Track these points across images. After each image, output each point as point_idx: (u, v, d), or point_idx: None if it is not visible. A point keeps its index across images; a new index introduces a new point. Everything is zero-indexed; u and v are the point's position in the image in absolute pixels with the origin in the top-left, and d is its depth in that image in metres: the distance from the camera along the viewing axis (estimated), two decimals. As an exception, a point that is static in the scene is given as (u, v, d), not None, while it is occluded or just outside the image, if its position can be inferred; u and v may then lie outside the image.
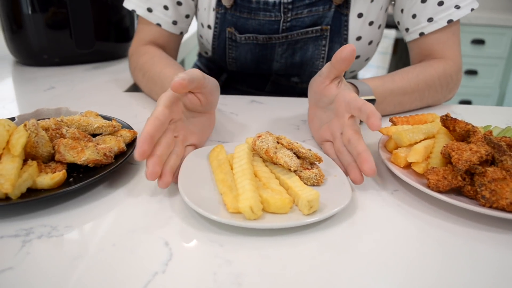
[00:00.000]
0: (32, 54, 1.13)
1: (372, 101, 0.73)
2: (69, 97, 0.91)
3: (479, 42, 2.67)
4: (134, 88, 1.02)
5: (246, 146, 0.57)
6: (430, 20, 0.84)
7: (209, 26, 0.95)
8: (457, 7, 0.82)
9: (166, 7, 0.90)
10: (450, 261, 0.43)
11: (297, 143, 0.57)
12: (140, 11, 0.91)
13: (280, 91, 1.07)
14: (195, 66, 1.22)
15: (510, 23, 2.61)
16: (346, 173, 0.56)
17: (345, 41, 0.92)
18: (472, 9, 0.83)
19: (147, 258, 0.42)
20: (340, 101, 0.60)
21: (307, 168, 0.55)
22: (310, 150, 0.56)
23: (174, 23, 0.93)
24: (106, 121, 0.60)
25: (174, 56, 1.00)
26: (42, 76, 1.06)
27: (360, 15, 0.89)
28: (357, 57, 0.96)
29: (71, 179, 0.52)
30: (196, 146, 0.63)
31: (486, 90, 2.83)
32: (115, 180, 0.56)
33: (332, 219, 0.49)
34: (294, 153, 0.56)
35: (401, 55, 3.08)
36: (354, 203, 0.52)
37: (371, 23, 0.91)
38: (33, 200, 0.47)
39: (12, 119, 0.66)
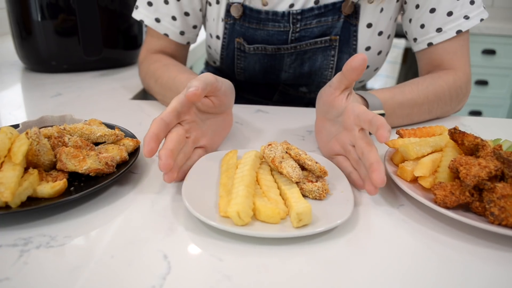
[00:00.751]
0: (40, 60, 1.14)
1: (381, 115, 0.72)
2: (75, 104, 0.91)
3: (490, 52, 2.65)
4: (141, 95, 1.02)
5: (254, 153, 0.56)
6: (439, 30, 0.83)
7: (217, 37, 0.95)
8: (466, 17, 0.81)
9: (174, 18, 0.91)
10: (457, 280, 0.41)
11: (305, 154, 0.56)
12: (148, 21, 0.91)
13: (288, 101, 1.06)
14: None
15: (521, 33, 2.59)
16: (363, 186, 0.55)
17: (354, 51, 0.91)
18: (482, 19, 0.82)
19: (145, 271, 0.41)
20: (349, 114, 0.58)
21: (311, 181, 0.54)
22: (317, 163, 0.55)
23: (182, 33, 0.93)
24: (109, 129, 0.60)
25: (183, 64, 1.00)
26: (50, 82, 1.06)
27: (369, 25, 0.89)
28: (367, 67, 0.95)
29: (72, 188, 0.52)
30: (206, 149, 0.63)
31: (496, 101, 2.80)
32: (116, 190, 0.55)
33: (334, 233, 0.47)
34: (300, 164, 0.55)
35: (410, 65, 3.07)
36: (356, 216, 0.51)
37: (380, 33, 0.90)
38: (32, 209, 0.47)
39: (17, 126, 0.66)
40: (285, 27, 0.89)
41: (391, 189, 0.58)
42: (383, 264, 0.43)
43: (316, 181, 0.54)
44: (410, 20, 0.88)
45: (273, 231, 0.45)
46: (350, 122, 0.58)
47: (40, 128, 0.55)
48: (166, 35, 0.92)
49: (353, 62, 0.56)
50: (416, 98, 0.78)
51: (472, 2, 0.81)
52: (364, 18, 0.88)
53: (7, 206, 0.47)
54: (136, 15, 0.92)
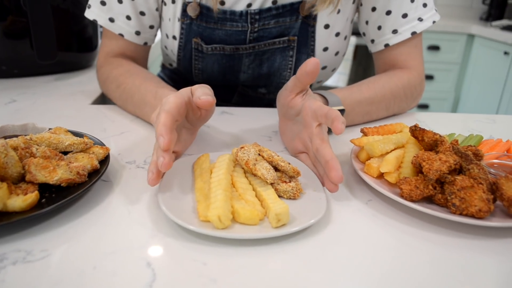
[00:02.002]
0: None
1: (341, 111, 0.75)
2: (33, 111, 0.87)
3: (434, 48, 2.79)
4: (101, 100, 1.00)
5: (228, 156, 0.57)
6: (394, 32, 0.87)
7: (174, 37, 0.94)
8: (420, 19, 0.86)
9: (128, 17, 0.89)
10: (425, 266, 0.44)
11: (278, 155, 0.57)
12: (102, 21, 0.89)
13: (247, 103, 1.07)
14: (159, 77, 1.21)
15: (463, 30, 2.75)
16: (323, 183, 0.57)
17: (312, 52, 0.93)
18: (434, 22, 0.87)
19: (130, 280, 0.41)
20: (307, 111, 0.61)
21: (285, 182, 0.56)
22: (289, 164, 0.57)
23: (137, 33, 0.91)
24: (78, 138, 0.59)
25: (144, 67, 0.99)
26: (1, 88, 1.01)
27: (326, 26, 0.91)
28: (324, 67, 0.97)
29: (43, 200, 0.50)
30: (177, 154, 0.63)
31: (442, 94, 2.96)
32: (89, 199, 0.55)
33: (310, 230, 0.50)
34: (274, 166, 0.57)
35: (360, 60, 3.17)
36: (329, 213, 0.53)
37: (337, 34, 0.93)
38: (5, 224, 0.45)
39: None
40: (243, 26, 0.89)
41: (359, 185, 0.61)
42: (358, 256, 0.46)
43: (290, 182, 0.56)
44: (367, 22, 0.91)
45: (253, 233, 0.47)
46: (308, 119, 0.61)
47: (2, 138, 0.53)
48: (121, 35, 0.90)
49: (307, 67, 0.58)
50: (374, 97, 0.82)
51: (425, 5, 0.86)
52: (321, 19, 0.90)
53: (-23, 222, 0.45)
54: (89, 14, 0.90)
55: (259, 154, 0.58)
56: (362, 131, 0.68)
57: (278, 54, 0.93)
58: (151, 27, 0.93)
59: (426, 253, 0.47)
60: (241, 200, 0.52)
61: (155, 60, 1.75)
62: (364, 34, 0.95)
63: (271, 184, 0.55)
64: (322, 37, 0.92)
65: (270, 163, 0.57)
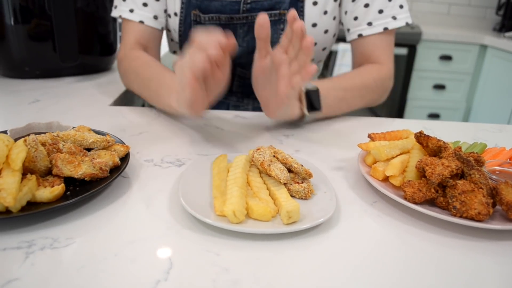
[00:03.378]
0: (13, 66, 1.13)
1: (316, 92, 0.81)
2: (55, 110, 0.92)
3: (447, 58, 2.80)
4: (120, 101, 1.04)
5: (244, 157, 0.61)
6: (369, 24, 0.94)
7: (175, 14, 1.00)
8: (394, 18, 0.94)
9: (145, 4, 0.97)
10: (427, 265, 0.47)
11: (291, 158, 0.61)
12: (125, 14, 0.98)
13: (247, 92, 1.10)
14: None
15: (476, 40, 2.75)
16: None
17: None
18: (407, 23, 0.95)
19: (149, 267, 0.44)
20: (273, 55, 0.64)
21: (298, 182, 0.59)
22: (302, 166, 0.60)
23: (155, 17, 0.99)
24: (101, 136, 0.63)
25: (158, 57, 1.05)
26: (26, 89, 1.06)
27: (315, 3, 0.96)
28: (314, 44, 0.96)
29: (68, 192, 0.54)
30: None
31: (453, 104, 2.96)
32: (110, 193, 0.58)
33: (319, 228, 0.52)
34: (287, 167, 0.60)
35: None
36: (338, 213, 0.56)
37: (325, 12, 0.97)
38: (34, 213, 0.49)
39: (4, 132, 0.67)
40: None
41: (365, 187, 0.64)
42: (363, 253, 0.48)
43: (302, 183, 0.59)
44: (346, 12, 0.98)
45: (266, 228, 0.50)
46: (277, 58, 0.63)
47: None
48: (142, 22, 0.98)
49: (258, 20, 0.62)
50: (346, 84, 0.90)
51: (401, 6, 0.94)
52: None
53: (7, 211, 0.49)
54: (114, 13, 1.00)
55: (274, 156, 0.61)
56: (369, 136, 0.70)
57: (271, 27, 0.94)
58: (165, 11, 1.01)
59: (426, 252, 0.49)
60: (255, 197, 0.55)
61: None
62: (342, 23, 1.02)
63: (284, 184, 0.58)
64: (310, 13, 0.96)
65: (284, 164, 0.60)
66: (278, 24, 0.97)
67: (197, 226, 0.52)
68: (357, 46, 0.99)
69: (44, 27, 1.10)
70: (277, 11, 0.95)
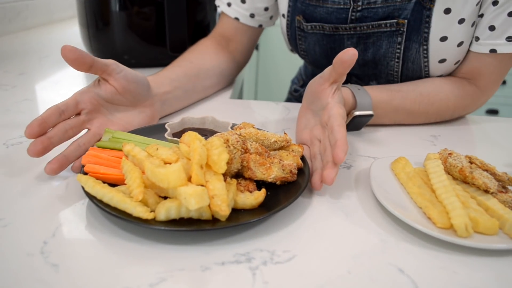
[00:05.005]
0: (114, 54, 1.09)
1: (369, 115, 0.72)
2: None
3: None
4: (235, 94, 0.99)
5: (440, 162, 0.54)
6: (509, 39, 0.71)
7: (283, 15, 0.92)
8: None
9: (243, 1, 0.91)
10: None
11: (490, 164, 0.54)
12: (223, 7, 0.94)
13: None
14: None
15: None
16: (311, 179, 0.55)
17: (425, 40, 0.77)
18: None
19: (388, 285, 0.39)
20: (327, 111, 0.58)
21: (502, 191, 0.52)
22: (506, 173, 0.53)
23: (252, 16, 0.92)
24: (280, 135, 0.58)
25: (242, 50, 0.99)
26: (134, 78, 1.02)
27: (447, 11, 0.73)
28: (442, 60, 0.79)
29: (261, 198, 0.50)
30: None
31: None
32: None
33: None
34: (490, 174, 0.53)
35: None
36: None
37: (461, 21, 0.74)
38: (248, 223, 0.44)
39: (162, 126, 0.64)
40: (345, 4, 0.81)
41: None
42: None
43: (506, 192, 0.53)
44: (481, 15, 0.74)
45: (496, 243, 0.44)
46: (324, 121, 0.59)
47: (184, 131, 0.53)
48: (237, 18, 0.92)
49: (344, 55, 0.55)
50: (416, 110, 0.77)
51: None
52: (441, 1, 0.73)
53: (214, 219, 0.45)
54: (217, 1, 0.96)
55: (469, 162, 0.55)
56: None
57: (384, 39, 0.81)
58: (266, 9, 0.93)
59: None
60: (468, 208, 0.49)
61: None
62: None
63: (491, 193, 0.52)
64: (439, 24, 0.75)
65: (486, 171, 0.54)
66: (394, 37, 0.80)
67: (411, 238, 0.47)
68: (474, 59, 0.77)
69: (149, 15, 1.06)
70: (394, 21, 0.78)
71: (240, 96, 1.08)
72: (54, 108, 0.55)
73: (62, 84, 0.96)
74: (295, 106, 0.89)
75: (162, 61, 1.12)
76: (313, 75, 1.13)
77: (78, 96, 0.58)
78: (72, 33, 1.49)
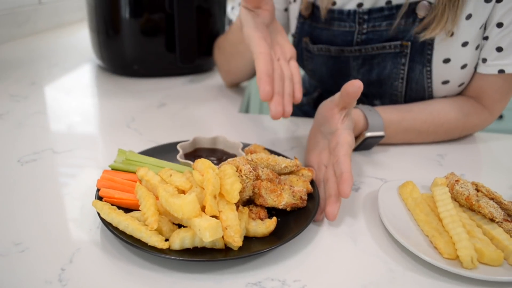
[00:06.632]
0: (124, 63, 1.09)
1: (380, 137, 0.73)
2: (187, 117, 0.88)
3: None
4: (243, 107, 1.00)
5: (447, 190, 0.55)
6: None
7: (293, 35, 0.94)
8: None
9: None
10: None
11: (496, 193, 0.55)
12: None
13: None
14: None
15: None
16: (323, 207, 0.56)
17: (428, 62, 0.78)
18: None
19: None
20: (335, 138, 0.60)
21: (507, 220, 0.53)
22: (511, 202, 0.54)
23: None
24: (291, 160, 0.59)
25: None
26: (145, 89, 1.03)
27: (450, 34, 0.74)
28: (445, 82, 0.80)
29: (271, 225, 0.51)
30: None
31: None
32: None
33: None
34: (495, 203, 0.54)
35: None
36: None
37: (465, 44, 0.75)
38: (263, 252, 0.46)
39: (174, 145, 0.65)
40: (351, 27, 0.83)
41: None
42: None
43: (511, 221, 0.53)
44: (486, 38, 0.75)
45: (500, 275, 0.45)
46: (332, 147, 0.60)
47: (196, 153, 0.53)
48: None
49: (349, 88, 0.57)
50: (426, 130, 0.79)
51: None
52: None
53: (227, 248, 0.46)
54: (232, 15, 1.01)
55: (476, 189, 0.56)
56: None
57: (388, 60, 0.82)
58: None
59: None
60: (474, 238, 0.50)
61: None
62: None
63: (496, 222, 0.53)
64: (442, 46, 0.76)
65: (492, 199, 0.54)
66: (398, 58, 0.80)
67: (418, 267, 0.48)
68: (481, 80, 0.78)
69: (159, 24, 1.06)
70: (398, 42, 0.79)
71: (247, 109, 1.08)
72: (264, 56, 0.58)
73: (74, 94, 0.97)
74: (303, 122, 0.90)
75: (171, 71, 1.14)
76: (316, 86, 1.14)
77: (260, 34, 0.62)
78: (82, 37, 1.50)
